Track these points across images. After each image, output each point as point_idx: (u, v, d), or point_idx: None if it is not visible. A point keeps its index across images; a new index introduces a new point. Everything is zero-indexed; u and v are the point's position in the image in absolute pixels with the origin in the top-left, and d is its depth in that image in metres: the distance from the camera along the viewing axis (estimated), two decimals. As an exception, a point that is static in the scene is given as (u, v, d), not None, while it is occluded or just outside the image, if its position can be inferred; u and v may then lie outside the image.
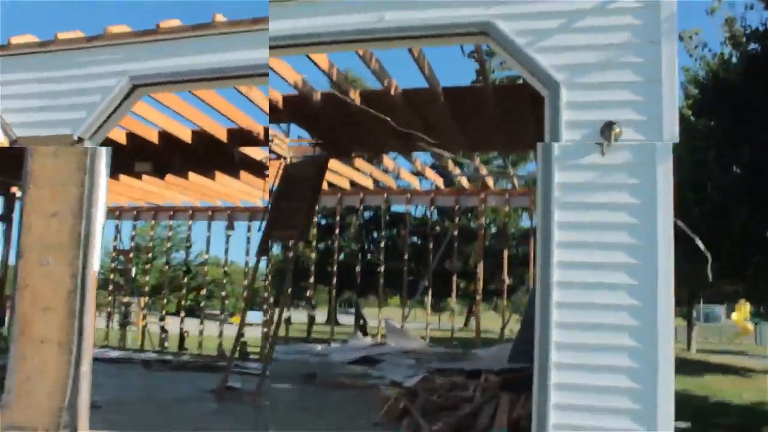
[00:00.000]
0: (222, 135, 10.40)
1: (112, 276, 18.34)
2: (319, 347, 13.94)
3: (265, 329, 14.45)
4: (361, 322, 16.23)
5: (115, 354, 14.28)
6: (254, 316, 17.38)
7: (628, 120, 4.99)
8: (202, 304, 19.26)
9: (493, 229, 32.90)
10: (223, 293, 18.71)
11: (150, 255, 22.27)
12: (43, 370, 5.83)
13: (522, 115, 9.00)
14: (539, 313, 5.09)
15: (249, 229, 15.77)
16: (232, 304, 32.90)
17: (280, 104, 9.27)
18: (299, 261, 24.10)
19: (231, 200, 15.68)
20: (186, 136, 10.56)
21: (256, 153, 11.65)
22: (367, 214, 30.40)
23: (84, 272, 5.89)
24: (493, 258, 19.76)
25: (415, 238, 27.97)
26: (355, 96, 8.79)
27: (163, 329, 15.95)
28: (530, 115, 8.77)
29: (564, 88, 5.12)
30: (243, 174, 12.87)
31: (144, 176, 13.36)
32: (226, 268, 17.41)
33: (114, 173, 12.69)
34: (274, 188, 11.19)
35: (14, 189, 14.30)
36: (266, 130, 10.41)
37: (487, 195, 15.22)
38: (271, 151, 11.39)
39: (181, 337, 16.10)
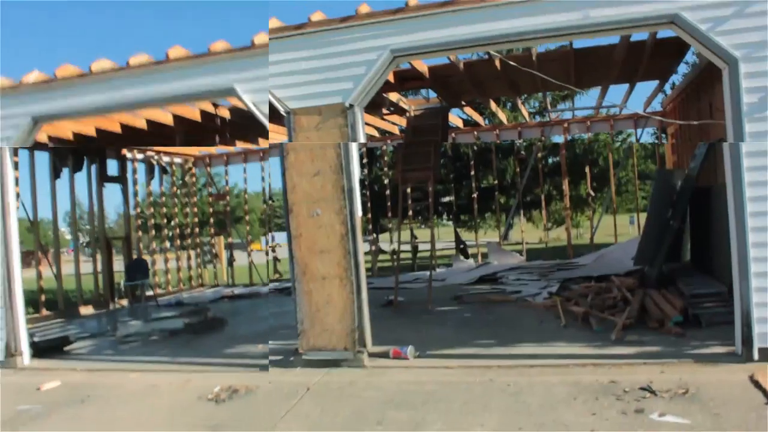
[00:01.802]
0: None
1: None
2: (427, 273, 15.58)
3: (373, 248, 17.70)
4: (461, 245, 17.92)
5: (239, 290, 16.28)
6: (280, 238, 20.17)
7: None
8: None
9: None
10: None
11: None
12: (329, 301, 7.46)
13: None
14: (735, 218, 6.70)
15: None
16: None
17: (427, 73, 10.66)
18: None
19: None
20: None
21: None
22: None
23: (352, 219, 7.44)
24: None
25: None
26: (497, 61, 10.21)
27: (276, 259, 18.23)
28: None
29: (741, 62, 6.56)
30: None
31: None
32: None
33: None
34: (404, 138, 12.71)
35: (124, 151, 15.79)
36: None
37: (570, 125, 16.78)
38: (392, 105, 12.78)
39: (275, 268, 18.33)
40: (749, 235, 6.62)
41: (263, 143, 16.79)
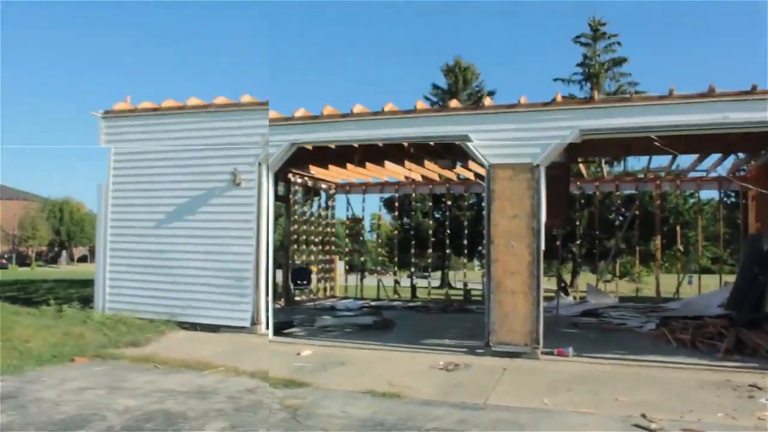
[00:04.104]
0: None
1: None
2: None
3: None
4: (563, 284, 20.93)
5: (374, 303, 19.58)
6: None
7: None
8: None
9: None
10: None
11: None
12: (515, 309, 10.66)
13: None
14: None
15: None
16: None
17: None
18: (419, 230, 29.10)
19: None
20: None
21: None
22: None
23: (537, 251, 10.62)
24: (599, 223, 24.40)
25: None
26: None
27: (396, 282, 21.69)
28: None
29: None
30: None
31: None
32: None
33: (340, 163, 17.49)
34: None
35: (290, 176, 19.27)
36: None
37: (661, 181, 19.79)
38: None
39: (413, 288, 21.69)
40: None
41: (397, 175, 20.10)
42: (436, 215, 37.93)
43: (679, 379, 9.17)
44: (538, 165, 10.73)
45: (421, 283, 27.16)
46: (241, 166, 12.61)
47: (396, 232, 26.65)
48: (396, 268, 25.44)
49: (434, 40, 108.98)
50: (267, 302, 12.54)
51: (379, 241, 37.24)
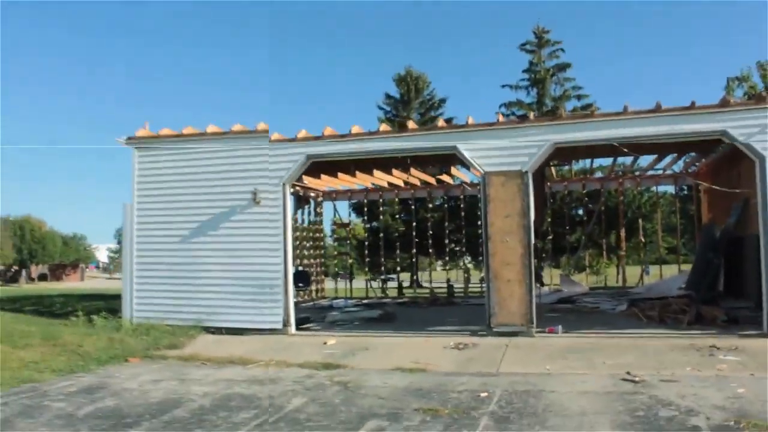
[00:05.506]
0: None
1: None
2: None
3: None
4: (539, 275, 23.03)
5: (365, 301, 21.34)
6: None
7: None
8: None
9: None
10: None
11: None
12: (511, 294, 12.53)
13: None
14: (765, 253, 11.73)
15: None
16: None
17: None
18: (387, 232, 31.03)
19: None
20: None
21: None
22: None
23: (528, 245, 12.56)
24: (560, 219, 26.47)
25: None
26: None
27: (383, 281, 23.67)
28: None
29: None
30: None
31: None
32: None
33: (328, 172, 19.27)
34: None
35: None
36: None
37: (624, 179, 22.02)
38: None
39: (400, 287, 23.53)
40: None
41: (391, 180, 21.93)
42: (403, 217, 39.77)
43: (652, 346, 11.17)
44: (526, 171, 12.66)
45: (391, 284, 29.13)
46: (266, 186, 14.21)
47: (381, 234, 28.20)
48: (367, 269, 27.22)
49: (383, 48, 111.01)
50: (293, 305, 14.19)
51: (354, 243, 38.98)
